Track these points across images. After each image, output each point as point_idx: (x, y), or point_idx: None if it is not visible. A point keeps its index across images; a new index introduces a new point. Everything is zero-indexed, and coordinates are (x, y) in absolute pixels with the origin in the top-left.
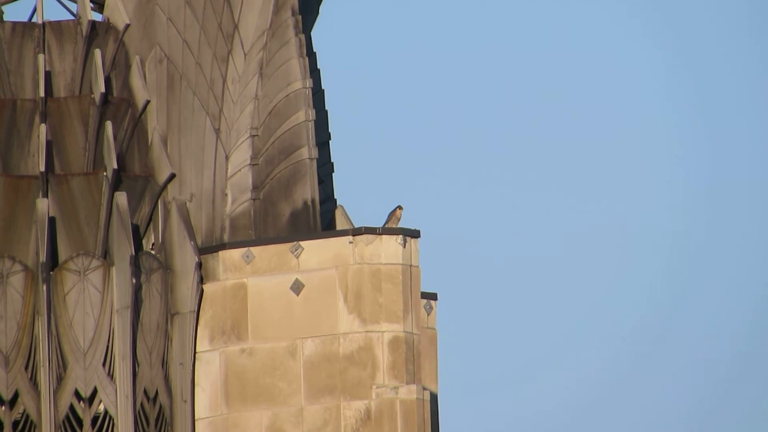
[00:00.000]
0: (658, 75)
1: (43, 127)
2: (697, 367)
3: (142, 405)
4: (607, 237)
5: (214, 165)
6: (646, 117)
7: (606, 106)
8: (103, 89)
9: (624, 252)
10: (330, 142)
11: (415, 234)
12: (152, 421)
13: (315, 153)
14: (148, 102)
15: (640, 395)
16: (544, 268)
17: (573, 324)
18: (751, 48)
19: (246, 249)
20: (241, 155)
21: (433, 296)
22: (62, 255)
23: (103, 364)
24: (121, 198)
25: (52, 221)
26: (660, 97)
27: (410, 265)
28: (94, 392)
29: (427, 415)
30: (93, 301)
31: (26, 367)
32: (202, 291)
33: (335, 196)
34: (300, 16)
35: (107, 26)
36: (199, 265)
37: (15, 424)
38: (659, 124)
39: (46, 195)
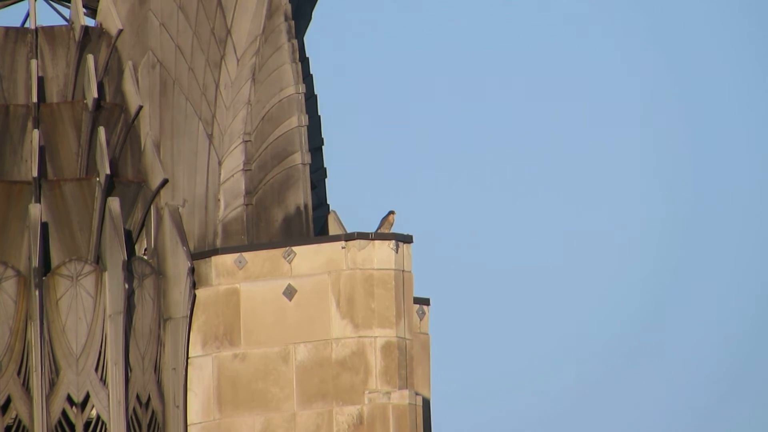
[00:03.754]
0: (647, 78)
1: (35, 133)
2: (690, 368)
3: (134, 410)
4: (600, 240)
5: (206, 170)
6: (635, 118)
7: (599, 111)
8: (95, 95)
9: (617, 255)
10: (323, 147)
11: (407, 239)
12: (144, 427)
13: (308, 158)
14: (140, 107)
15: (633, 400)
16: (537, 272)
17: (566, 329)
18: (746, 51)
19: (238, 254)
20: (233, 161)
21: (425, 301)
22: (55, 260)
23: (96, 370)
24: (114, 203)
25: (44, 226)
26: (648, 99)
27: (403, 271)
28: (87, 397)
29: (420, 420)
30: (85, 307)
31: (19, 373)
32: (195, 296)
33: (328, 202)
34: (293, 22)
35: (100, 31)
36: (192, 271)
37: (7, 429)
38: (647, 124)
39: (38, 200)
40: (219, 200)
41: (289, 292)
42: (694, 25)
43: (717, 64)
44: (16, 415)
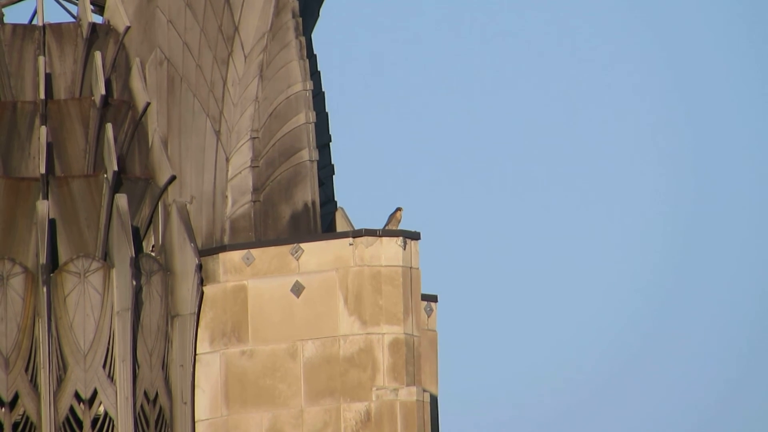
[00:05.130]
0: (650, 77)
1: (43, 130)
2: (698, 367)
3: (142, 407)
4: (608, 237)
5: (214, 167)
6: (639, 118)
7: (604, 107)
8: (103, 91)
9: (624, 252)
10: (330, 144)
11: (415, 236)
12: (152, 423)
13: (315, 155)
14: (148, 104)
15: (641, 397)
16: (545, 269)
17: (574, 326)
18: (748, 51)
19: (246, 251)
20: (241, 157)
21: (433, 298)
22: (62, 257)
23: (104, 366)
24: (122, 200)
25: (52, 223)
26: (649, 97)
27: (410, 267)
28: (95, 394)
29: (427, 417)
30: (93, 303)
31: (26, 369)
32: (203, 293)
33: (335, 198)
34: (300, 19)
35: (108, 28)
36: (200, 267)
37: (15, 425)
38: (652, 124)
39: (46, 197)
40: (226, 197)
41: (297, 289)
42: (696, 25)
43: (720, 64)
44: (24, 412)
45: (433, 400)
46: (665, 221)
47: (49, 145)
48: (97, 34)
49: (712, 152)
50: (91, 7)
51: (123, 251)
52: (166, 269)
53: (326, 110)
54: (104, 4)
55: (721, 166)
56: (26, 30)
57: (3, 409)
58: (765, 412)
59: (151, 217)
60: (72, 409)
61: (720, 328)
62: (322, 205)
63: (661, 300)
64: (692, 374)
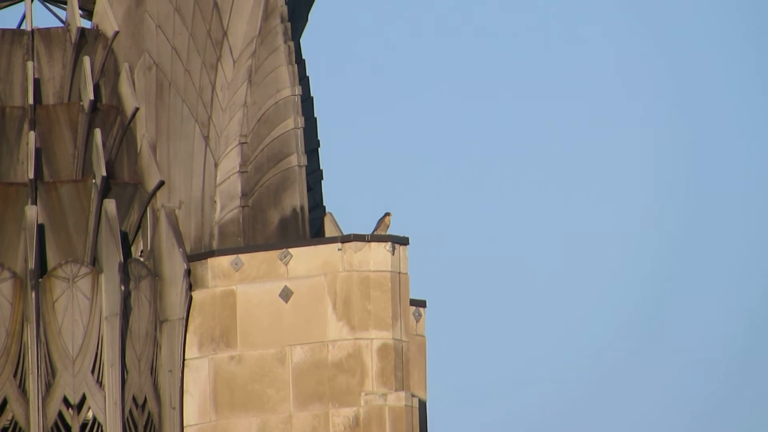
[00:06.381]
0: (642, 76)
1: (31, 135)
2: (688, 367)
3: (130, 412)
4: (598, 242)
5: (203, 172)
6: (632, 119)
7: (598, 110)
8: (92, 96)
9: (615, 256)
10: (319, 149)
11: (404, 241)
12: (141, 428)
13: (304, 160)
14: (137, 109)
15: (631, 403)
16: (534, 274)
17: (563, 331)
18: (744, 52)
19: (235, 256)
20: (230, 162)
21: (422, 303)
22: (51, 262)
23: (92, 371)
24: (110, 205)
25: (40, 228)
26: (644, 98)
27: (399, 272)
28: (83, 399)
29: (416, 422)
30: (82, 309)
31: (15, 374)
32: (191, 298)
33: (324, 204)
34: (289, 23)
35: (96, 33)
36: (188, 273)
37: (3, 431)
38: (644, 125)
39: (35, 202)
40: (215, 202)
41: (286, 294)
42: (692, 26)
43: (715, 65)
44: (12, 417)
45: (422, 406)
46: (656, 224)
47: (37, 151)
48: (85, 39)
49: (708, 152)
50: (80, 11)
51: (111, 256)
52: (155, 274)
53: (315, 115)
54: (93, 8)
55: (717, 167)
56: (15, 34)
57: None
58: (762, 409)
59: (140, 222)
60: (60, 415)
61: (715, 326)
62: (310, 210)
63: (655, 303)
64: (687, 373)
